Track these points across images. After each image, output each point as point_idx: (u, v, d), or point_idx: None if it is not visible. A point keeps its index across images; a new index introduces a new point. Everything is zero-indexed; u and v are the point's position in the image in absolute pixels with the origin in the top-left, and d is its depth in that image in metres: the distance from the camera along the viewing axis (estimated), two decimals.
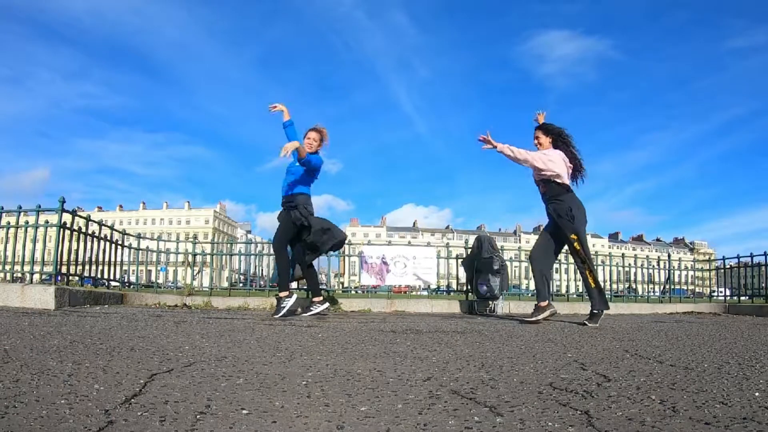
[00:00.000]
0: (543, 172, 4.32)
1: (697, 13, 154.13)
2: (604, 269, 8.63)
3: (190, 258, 7.73)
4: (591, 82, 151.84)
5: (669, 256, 10.74)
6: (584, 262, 4.25)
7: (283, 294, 4.50)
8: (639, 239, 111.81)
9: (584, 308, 7.10)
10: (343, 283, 10.06)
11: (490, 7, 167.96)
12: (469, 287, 6.65)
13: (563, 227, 4.26)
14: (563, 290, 10.01)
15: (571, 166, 4.38)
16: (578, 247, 4.23)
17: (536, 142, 4.50)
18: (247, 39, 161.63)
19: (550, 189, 4.34)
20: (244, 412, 1.19)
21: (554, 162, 4.28)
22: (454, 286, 10.27)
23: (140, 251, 7.13)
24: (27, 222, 5.53)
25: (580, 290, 8.40)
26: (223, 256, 8.81)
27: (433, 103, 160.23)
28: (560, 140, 4.44)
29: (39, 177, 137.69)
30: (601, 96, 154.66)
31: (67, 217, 5.44)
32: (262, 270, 7.21)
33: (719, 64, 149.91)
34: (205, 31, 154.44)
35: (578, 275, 8.15)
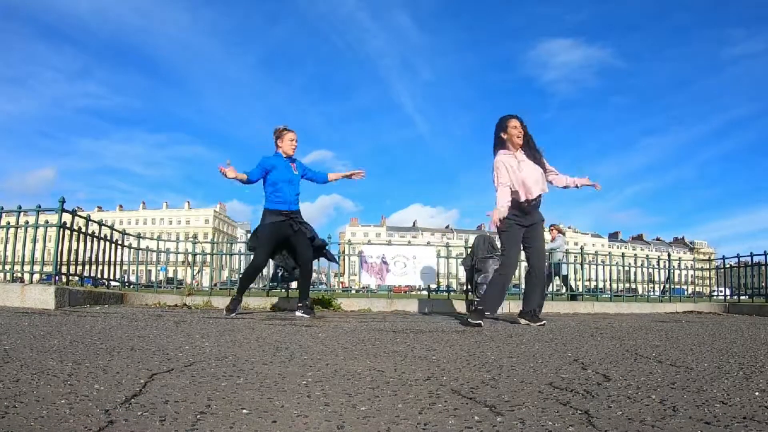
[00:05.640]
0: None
1: (698, 15, 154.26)
2: (603, 269, 8.63)
3: (190, 258, 7.73)
4: (593, 87, 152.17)
5: (669, 255, 10.75)
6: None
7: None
8: (639, 239, 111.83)
9: (584, 308, 7.11)
10: (343, 283, 10.05)
11: (493, 9, 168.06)
12: (469, 287, 6.65)
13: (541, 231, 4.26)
14: (563, 290, 10.00)
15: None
16: None
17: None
18: (250, 39, 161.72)
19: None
20: (245, 411, 1.19)
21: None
22: (454, 286, 10.24)
23: (140, 251, 7.13)
24: (27, 222, 5.53)
25: (581, 290, 8.41)
26: (223, 256, 8.80)
27: (436, 105, 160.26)
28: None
29: (45, 177, 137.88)
30: (602, 100, 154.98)
31: (67, 217, 5.44)
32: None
33: (720, 65, 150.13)
34: (208, 32, 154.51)
35: (578, 275, 8.20)
